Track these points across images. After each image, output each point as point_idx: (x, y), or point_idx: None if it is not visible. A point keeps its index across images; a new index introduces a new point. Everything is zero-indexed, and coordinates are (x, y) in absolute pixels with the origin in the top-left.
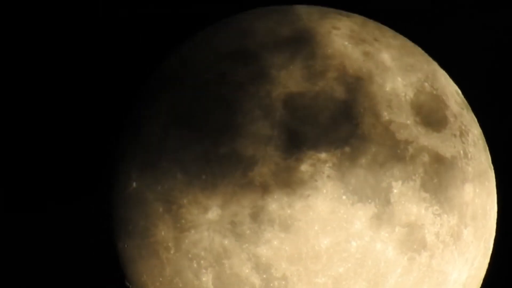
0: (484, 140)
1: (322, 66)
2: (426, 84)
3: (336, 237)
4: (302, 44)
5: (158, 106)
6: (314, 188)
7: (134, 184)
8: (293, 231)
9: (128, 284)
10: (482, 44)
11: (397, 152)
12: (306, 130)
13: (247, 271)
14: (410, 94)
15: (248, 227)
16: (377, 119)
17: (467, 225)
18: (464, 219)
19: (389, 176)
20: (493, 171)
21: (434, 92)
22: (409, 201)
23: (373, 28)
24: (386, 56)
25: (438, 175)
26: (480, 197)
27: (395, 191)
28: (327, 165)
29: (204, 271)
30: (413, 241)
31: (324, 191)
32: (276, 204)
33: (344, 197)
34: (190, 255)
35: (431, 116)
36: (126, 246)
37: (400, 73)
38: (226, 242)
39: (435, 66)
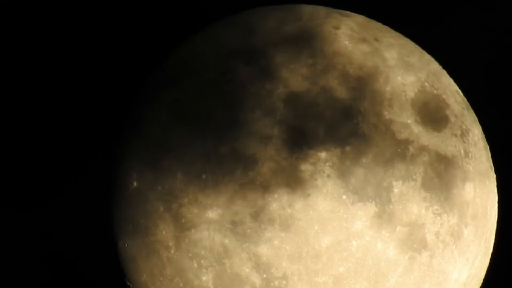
0: (485, 139)
1: (323, 65)
2: (426, 83)
3: (336, 237)
4: (303, 43)
5: (159, 106)
6: (314, 187)
7: (135, 184)
8: (293, 231)
9: (128, 283)
10: (482, 44)
11: (397, 152)
12: (307, 129)
13: (247, 270)
14: (411, 93)
15: (249, 227)
16: (377, 118)
17: (468, 224)
18: (464, 219)
19: (390, 175)
20: (493, 170)
21: (435, 91)
22: (409, 201)
23: (374, 28)
24: (387, 56)
25: (439, 174)
26: (481, 196)
27: (395, 190)
28: (328, 164)
29: (204, 270)
30: (414, 241)
31: (325, 190)
32: (276, 204)
33: (344, 196)
34: (190, 255)
35: (432, 116)
36: (126, 245)
37: (400, 72)
38: (226, 241)
39: (435, 65)
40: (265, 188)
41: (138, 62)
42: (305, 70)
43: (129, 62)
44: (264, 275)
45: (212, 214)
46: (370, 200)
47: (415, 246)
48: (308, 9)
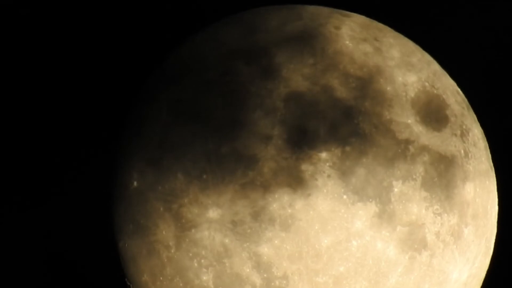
0: (485, 139)
1: (324, 65)
2: (426, 83)
3: (336, 236)
4: (304, 43)
5: (159, 106)
6: (314, 187)
7: (135, 183)
8: (293, 230)
9: (128, 283)
10: (482, 44)
11: (398, 152)
12: (307, 129)
13: (247, 270)
14: (411, 93)
15: (249, 226)
16: (378, 118)
17: (468, 224)
18: (464, 218)
19: (390, 175)
20: (493, 170)
21: (435, 91)
22: (409, 201)
23: (375, 28)
24: (387, 56)
25: (439, 174)
26: (481, 196)
27: (395, 190)
28: (328, 164)
29: (204, 270)
30: (414, 240)
31: (325, 190)
32: (277, 204)
33: (344, 196)
34: (190, 254)
35: (432, 116)
36: (126, 245)
37: (400, 72)
38: (226, 241)
39: (435, 65)
40: (266, 188)
41: (138, 62)
42: (306, 70)
43: (129, 62)
44: (265, 275)
45: (213, 214)
46: (370, 200)
47: (415, 246)
48: (308, 9)
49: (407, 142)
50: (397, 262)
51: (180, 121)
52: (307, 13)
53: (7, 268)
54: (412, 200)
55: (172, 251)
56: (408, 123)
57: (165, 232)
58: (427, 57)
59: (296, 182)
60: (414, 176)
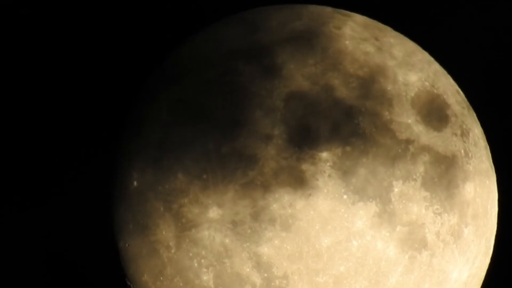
0: (485, 139)
1: (324, 65)
2: (427, 83)
3: (337, 236)
4: (304, 43)
5: (159, 106)
6: (315, 187)
7: (135, 183)
8: (294, 230)
9: (129, 283)
10: (482, 44)
11: (398, 151)
12: (308, 129)
13: (248, 270)
14: (411, 93)
15: (249, 226)
16: (378, 118)
17: (468, 224)
18: (464, 218)
19: (390, 175)
20: (494, 170)
21: (435, 91)
22: (410, 200)
23: (375, 28)
24: (387, 56)
25: (439, 174)
26: (481, 196)
27: (396, 190)
28: (328, 164)
29: (205, 270)
30: (414, 240)
31: (325, 190)
32: (277, 204)
33: (345, 196)
34: (191, 254)
35: (432, 115)
36: (127, 245)
37: (401, 72)
38: (227, 241)
39: (436, 65)
40: (266, 188)
41: (138, 62)
42: (306, 69)
43: (129, 62)
44: (265, 275)
45: (213, 214)
46: (371, 200)
47: (416, 246)
48: (308, 9)
49: (408, 142)
50: (397, 262)
51: (180, 121)
52: (307, 12)
53: (7, 268)
54: (412, 200)
55: (173, 251)
56: (409, 123)
57: (165, 232)
58: (428, 57)
59: (297, 182)
60: (414, 176)
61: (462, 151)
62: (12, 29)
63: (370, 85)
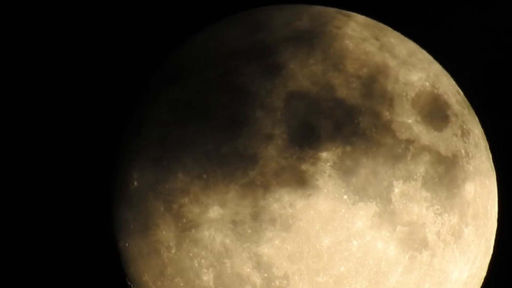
0: (485, 139)
1: (325, 65)
2: (427, 83)
3: (337, 236)
4: (305, 43)
5: (159, 106)
6: (315, 187)
7: (135, 183)
8: (294, 230)
9: (129, 283)
10: (482, 44)
11: (398, 152)
12: (308, 129)
13: (248, 270)
14: (412, 93)
15: (249, 226)
16: (378, 118)
17: (468, 224)
18: (465, 218)
19: (390, 175)
20: (494, 170)
21: (435, 91)
22: (410, 200)
23: (375, 28)
24: (388, 56)
25: (440, 174)
26: (481, 196)
27: (396, 190)
28: (329, 164)
29: (205, 270)
30: (414, 240)
31: (325, 190)
32: (277, 204)
33: (345, 196)
34: (191, 254)
35: (433, 116)
36: (127, 245)
37: (402, 72)
38: (227, 241)
39: (436, 65)
40: (266, 188)
41: (138, 62)
42: (306, 69)
43: (129, 62)
44: (265, 275)
45: (213, 214)
46: (371, 200)
47: (416, 246)
48: (309, 9)
49: (408, 142)
50: (397, 262)
51: (180, 121)
52: (307, 12)
53: (7, 268)
54: (412, 200)
55: (173, 251)
56: (409, 123)
57: (166, 232)
58: (428, 57)
59: (297, 182)
60: (414, 176)
61: (463, 151)
62: (12, 29)
63: (371, 85)
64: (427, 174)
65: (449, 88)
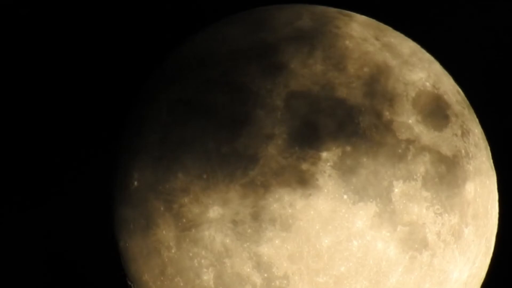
0: (485, 139)
1: (324, 65)
2: (427, 83)
3: (337, 236)
4: (305, 43)
5: (159, 105)
6: (315, 187)
7: (136, 183)
8: (294, 230)
9: (129, 283)
10: (482, 44)
11: (398, 152)
12: (308, 128)
13: (248, 270)
14: (412, 93)
15: (249, 226)
16: (378, 118)
17: (468, 224)
18: (465, 218)
19: (391, 175)
20: (494, 170)
21: (436, 91)
22: (410, 200)
23: (376, 28)
24: (388, 56)
25: (440, 174)
26: (481, 196)
27: (396, 190)
28: (329, 164)
29: (205, 270)
30: (415, 240)
31: (326, 190)
32: (277, 203)
33: (345, 196)
34: (191, 254)
35: (433, 115)
36: (127, 245)
37: (402, 72)
38: (227, 241)
39: (436, 65)
40: (266, 188)
41: (138, 62)
42: (306, 69)
43: (129, 62)
44: (265, 275)
45: (213, 213)
46: (371, 200)
47: (416, 246)
48: (309, 9)
49: (408, 142)
50: (397, 262)
51: (180, 121)
52: (308, 12)
53: (7, 268)
54: (412, 200)
55: (173, 251)
56: (409, 123)
57: (166, 232)
58: (428, 57)
59: (297, 181)
60: (414, 176)
61: (463, 151)
62: (12, 29)
63: (371, 85)
64: (427, 174)
65: (449, 88)
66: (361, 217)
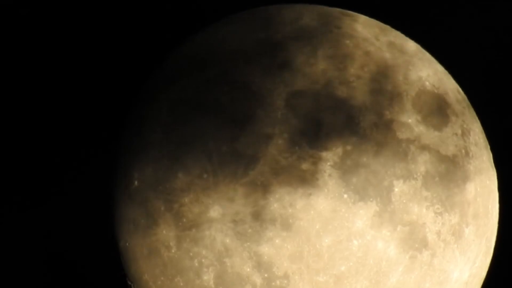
0: (486, 138)
1: (325, 65)
2: (427, 83)
3: (337, 236)
4: (305, 43)
5: (159, 105)
6: (315, 186)
7: (136, 183)
8: (294, 230)
9: (129, 283)
10: (482, 44)
11: (398, 151)
12: (308, 128)
13: (248, 269)
14: (412, 92)
15: (250, 226)
16: (378, 117)
17: (469, 223)
18: (465, 218)
19: (391, 175)
20: (494, 169)
21: (436, 91)
22: (410, 200)
23: (376, 28)
24: (388, 55)
25: (440, 173)
26: (482, 195)
27: (396, 190)
28: (329, 163)
29: (205, 269)
30: (415, 240)
31: (326, 190)
32: (277, 203)
33: (345, 196)
34: (191, 254)
35: (433, 115)
36: (127, 244)
37: (402, 72)
38: (227, 240)
39: (437, 65)
40: (266, 187)
41: (138, 62)
42: (307, 69)
43: (129, 62)
44: (265, 275)
45: (213, 213)
46: (371, 200)
47: (416, 246)
48: (309, 9)
49: (408, 141)
50: (398, 262)
51: (181, 120)
52: (308, 12)
53: (7, 268)
54: (413, 200)
55: (173, 250)
56: (409, 122)
57: (166, 231)
58: (429, 57)
59: (297, 181)
60: (415, 176)
61: (463, 150)
62: (12, 29)
63: (371, 84)
64: (428, 173)
65: (449, 88)
66: (361, 216)
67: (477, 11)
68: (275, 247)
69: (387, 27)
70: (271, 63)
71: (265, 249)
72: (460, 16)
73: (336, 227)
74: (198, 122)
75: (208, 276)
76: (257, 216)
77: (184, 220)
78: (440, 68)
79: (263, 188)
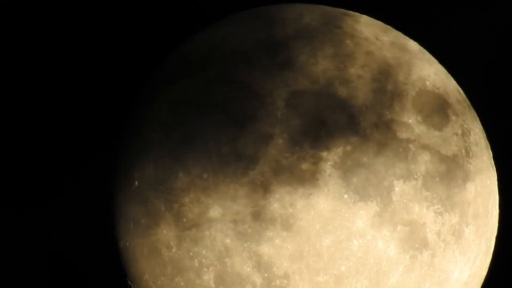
0: (486, 138)
1: (325, 65)
2: (428, 82)
3: (337, 236)
4: (305, 43)
5: (159, 105)
6: (315, 186)
7: (136, 183)
8: (294, 230)
9: (130, 283)
10: (482, 44)
11: (398, 151)
12: (308, 128)
13: (248, 269)
14: (412, 92)
15: (250, 226)
16: (379, 117)
17: (469, 223)
18: (465, 218)
19: (391, 175)
20: (494, 169)
21: (436, 91)
22: (410, 200)
23: (376, 27)
24: (388, 55)
25: (440, 173)
26: (482, 195)
27: (396, 189)
28: (329, 163)
29: (205, 269)
30: (415, 240)
31: (326, 190)
32: (277, 203)
33: (345, 195)
34: (191, 254)
35: (433, 115)
36: (128, 244)
37: (402, 72)
38: (227, 240)
39: (436, 65)
40: (266, 187)
41: (138, 62)
42: (307, 69)
43: (129, 62)
44: (265, 274)
45: (214, 213)
46: (371, 200)
47: (416, 245)
48: (310, 9)
49: (408, 141)
50: (398, 262)
51: (181, 120)
52: (309, 12)
53: (7, 268)
54: (413, 200)
55: (173, 250)
56: (409, 122)
57: (166, 231)
58: (429, 57)
59: (297, 181)
60: (415, 176)
61: (463, 150)
62: (12, 29)
63: (372, 84)
64: (428, 173)
65: (449, 88)
66: (362, 216)
67: (477, 11)
68: (275, 247)
69: (388, 27)
70: (271, 63)
71: (265, 249)
72: (460, 16)
73: (336, 227)
74: (198, 122)
75: (208, 276)
76: (257, 216)
77: (184, 220)
78: (440, 68)
79: (263, 188)
